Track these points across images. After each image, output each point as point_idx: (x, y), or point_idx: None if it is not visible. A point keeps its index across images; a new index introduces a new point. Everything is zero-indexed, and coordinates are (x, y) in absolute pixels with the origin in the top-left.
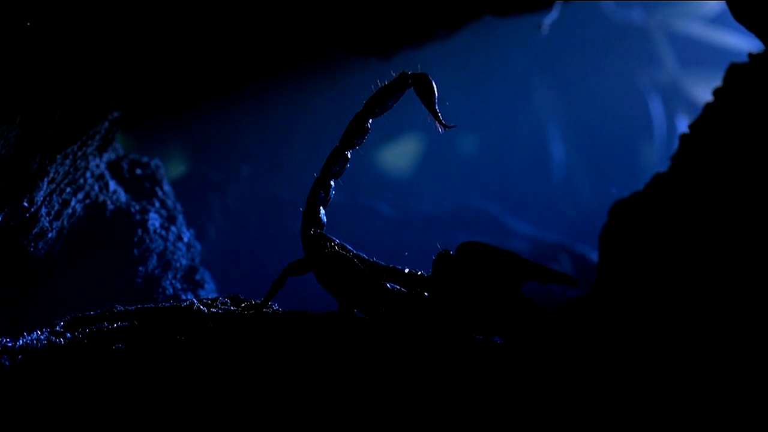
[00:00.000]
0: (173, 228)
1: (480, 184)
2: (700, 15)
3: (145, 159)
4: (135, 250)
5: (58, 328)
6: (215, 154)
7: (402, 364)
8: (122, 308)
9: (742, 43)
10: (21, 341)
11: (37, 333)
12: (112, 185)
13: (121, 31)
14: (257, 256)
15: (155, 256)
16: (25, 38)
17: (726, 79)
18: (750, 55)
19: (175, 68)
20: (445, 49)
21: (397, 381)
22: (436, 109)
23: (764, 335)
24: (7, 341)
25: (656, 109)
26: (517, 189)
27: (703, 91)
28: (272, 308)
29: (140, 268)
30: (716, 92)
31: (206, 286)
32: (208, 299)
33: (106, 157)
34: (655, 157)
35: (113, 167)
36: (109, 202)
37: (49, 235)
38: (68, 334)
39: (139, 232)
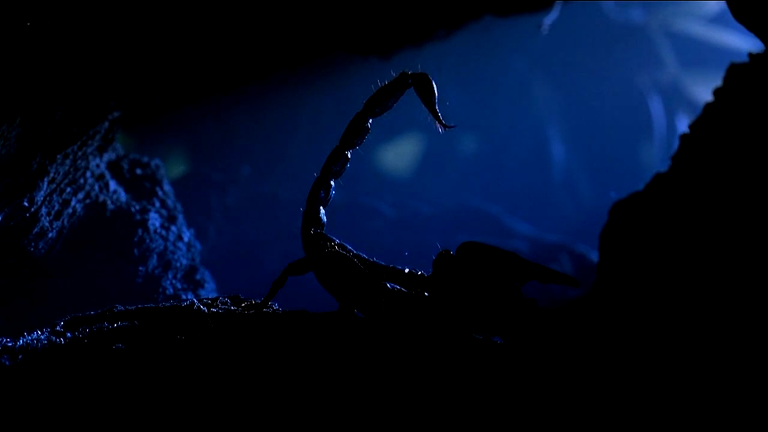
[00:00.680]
0: (173, 228)
1: (480, 184)
2: (700, 15)
3: (145, 159)
4: (135, 250)
5: (58, 328)
6: (215, 154)
7: (402, 364)
8: (122, 308)
9: (742, 43)
10: (21, 341)
11: (38, 333)
12: (113, 185)
13: (121, 32)
14: (257, 256)
15: (155, 256)
16: (25, 38)
17: (726, 79)
18: (750, 55)
19: (175, 68)
20: (445, 49)
21: (397, 381)
22: (436, 109)
23: (764, 335)
24: (7, 341)
25: (656, 108)
26: (517, 189)
27: (703, 91)
28: (272, 308)
29: (140, 268)
30: (716, 92)
31: (206, 285)
32: (208, 299)
33: (106, 157)
34: (655, 157)
35: (113, 167)
36: (109, 202)
37: (50, 234)
38: (68, 334)
39: (140, 231)
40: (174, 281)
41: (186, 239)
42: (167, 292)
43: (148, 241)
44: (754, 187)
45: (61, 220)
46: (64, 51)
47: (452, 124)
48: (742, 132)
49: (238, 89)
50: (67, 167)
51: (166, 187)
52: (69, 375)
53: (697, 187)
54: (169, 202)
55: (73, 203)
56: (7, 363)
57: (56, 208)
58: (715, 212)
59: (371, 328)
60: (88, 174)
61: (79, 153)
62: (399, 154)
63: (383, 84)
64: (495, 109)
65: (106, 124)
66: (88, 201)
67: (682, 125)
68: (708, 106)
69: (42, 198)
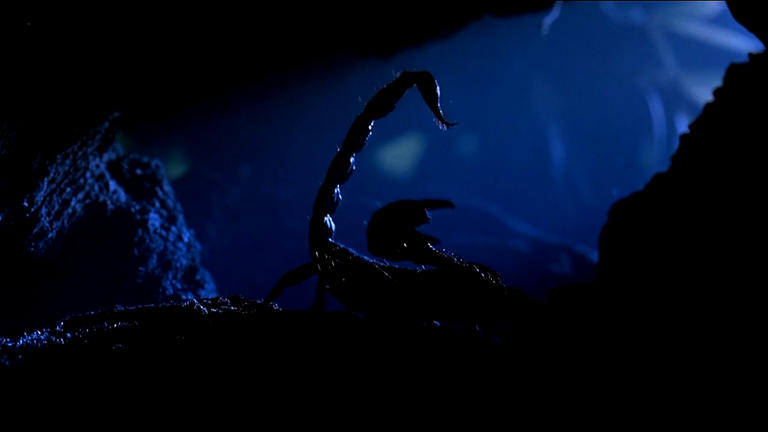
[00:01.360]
0: (173, 228)
1: (480, 184)
2: (700, 15)
3: (145, 159)
4: (135, 250)
5: (58, 328)
6: (215, 154)
7: (402, 364)
8: (122, 308)
9: (742, 43)
10: (21, 341)
11: (38, 333)
12: (113, 185)
13: (121, 32)
14: (257, 256)
15: (155, 256)
16: (26, 39)
17: (726, 79)
18: (750, 55)
19: (176, 68)
20: (445, 49)
21: (397, 381)
22: (438, 108)
23: (764, 335)
24: (7, 341)
25: (656, 109)
26: (517, 189)
27: (703, 91)
28: (272, 308)
29: (140, 268)
30: (716, 92)
31: (206, 286)
32: (208, 299)
33: (106, 157)
34: (655, 157)
35: (113, 167)
36: (109, 202)
37: (49, 235)
38: (68, 334)
39: (140, 232)
40: (174, 281)
41: (186, 239)
42: (167, 292)
43: (148, 241)
44: (754, 187)
45: (61, 220)
46: (65, 51)
47: (454, 122)
48: (742, 132)
49: (238, 89)
50: (67, 167)
51: (166, 188)
52: (69, 375)
53: (697, 187)
54: (169, 203)
55: (73, 203)
56: (7, 363)
57: (56, 208)
58: (715, 212)
59: (371, 328)
60: (88, 174)
61: (79, 153)
62: (399, 154)
63: (385, 84)
64: (495, 109)
65: (106, 124)
66: (88, 201)
67: (682, 125)
68: (708, 106)
69: (42, 198)
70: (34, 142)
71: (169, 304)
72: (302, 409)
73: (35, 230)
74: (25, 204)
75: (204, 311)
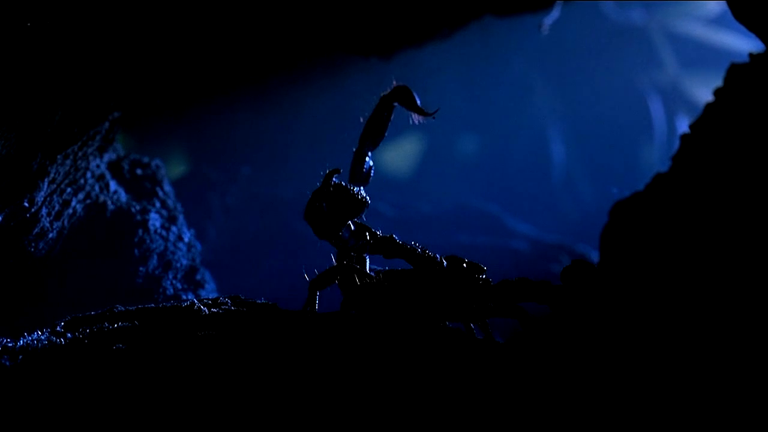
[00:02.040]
0: (174, 228)
1: (480, 184)
2: (700, 15)
3: (145, 159)
4: (135, 250)
5: (58, 329)
6: (215, 154)
7: (403, 365)
8: (123, 308)
9: (742, 43)
10: (21, 341)
11: (38, 333)
12: (113, 185)
13: (121, 32)
14: (257, 256)
15: (156, 256)
16: (26, 39)
17: (726, 79)
18: (750, 55)
19: (176, 68)
20: (445, 49)
21: (398, 381)
22: (421, 109)
23: (764, 335)
24: (7, 341)
25: (656, 109)
26: (517, 189)
27: (703, 91)
28: (272, 308)
29: (141, 268)
30: (716, 92)
31: (206, 286)
32: (208, 299)
33: (106, 157)
34: (655, 158)
35: (114, 167)
36: (109, 203)
37: (50, 235)
38: (69, 335)
39: (140, 232)
40: (174, 281)
41: (186, 239)
42: (167, 292)
43: (148, 241)
44: (754, 187)
45: (61, 220)
46: (65, 52)
47: (434, 110)
48: (742, 132)
49: (238, 89)
50: (67, 167)
51: (167, 188)
52: (69, 375)
53: (697, 187)
54: (170, 203)
55: (73, 204)
56: (7, 363)
57: (56, 208)
58: (716, 212)
59: (371, 327)
60: (89, 174)
61: (80, 153)
62: (399, 154)
63: (368, 115)
64: (495, 109)
65: (107, 124)
66: (88, 201)
67: (682, 125)
68: (708, 106)
69: (42, 198)
70: (35, 142)
71: (169, 304)
72: (302, 409)
73: (36, 230)
74: (26, 204)
75: (204, 311)
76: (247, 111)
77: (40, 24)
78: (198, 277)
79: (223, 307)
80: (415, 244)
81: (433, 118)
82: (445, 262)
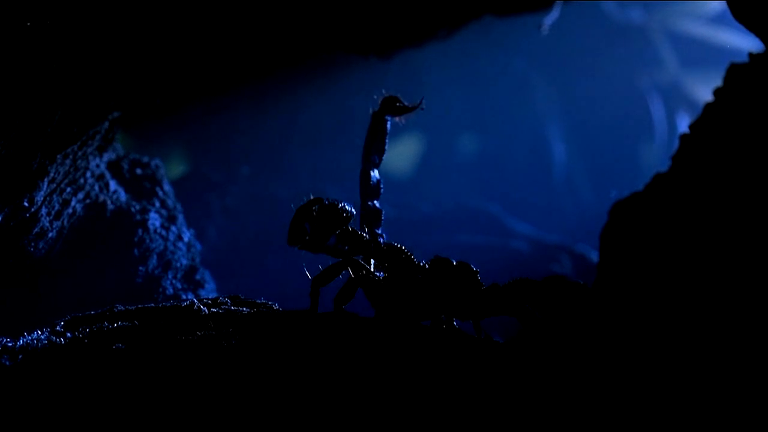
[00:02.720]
0: (173, 228)
1: (480, 184)
2: (700, 14)
3: (145, 159)
4: (135, 250)
5: (58, 328)
6: (215, 154)
7: (403, 365)
8: (122, 308)
9: (742, 42)
10: (21, 341)
11: (38, 333)
12: (113, 185)
13: (121, 32)
14: (257, 256)
15: (155, 256)
16: (26, 39)
17: (726, 79)
18: (750, 55)
19: (175, 68)
20: (445, 49)
21: (398, 382)
22: (409, 108)
23: (764, 335)
24: (7, 341)
25: (657, 108)
26: (517, 189)
27: (703, 90)
28: (272, 308)
29: (140, 268)
30: (716, 92)
31: (206, 286)
32: (208, 299)
33: (106, 157)
34: (656, 157)
35: (113, 167)
36: (109, 202)
37: (50, 235)
38: (68, 334)
39: (140, 232)
40: (174, 281)
41: (186, 239)
42: (167, 292)
43: (148, 241)
44: (754, 187)
45: (61, 220)
46: (65, 52)
47: (420, 99)
48: (742, 132)
49: (238, 89)
50: (67, 167)
51: (166, 187)
52: (69, 375)
53: (697, 187)
54: (169, 202)
55: (73, 203)
56: (7, 363)
57: (56, 208)
58: (715, 212)
59: (372, 328)
60: (88, 174)
61: (79, 153)
62: (399, 154)
63: (366, 133)
64: (495, 109)
65: (106, 124)
66: (88, 201)
67: (683, 125)
68: (708, 106)
69: (42, 198)
70: (34, 142)
71: (169, 304)
72: (302, 409)
73: (35, 230)
74: (25, 204)
75: (204, 311)
76: (247, 111)
77: (40, 24)
78: (198, 276)
79: (222, 306)
80: (399, 246)
81: (422, 108)
82: (427, 265)
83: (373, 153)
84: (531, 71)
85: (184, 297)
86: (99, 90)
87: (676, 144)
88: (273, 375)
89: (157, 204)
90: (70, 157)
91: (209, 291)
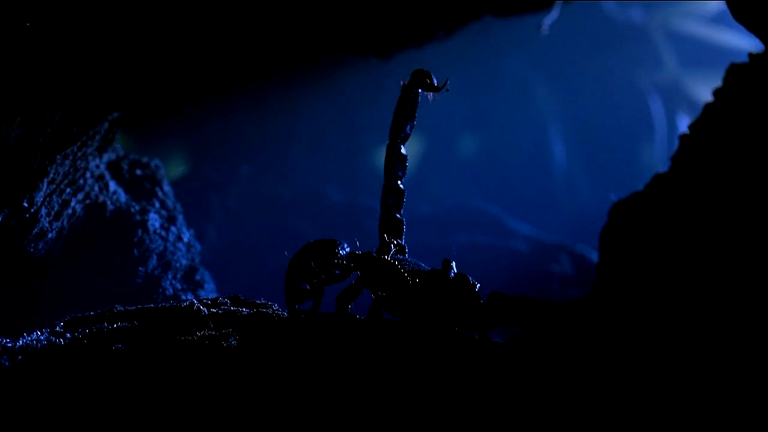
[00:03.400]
0: (173, 228)
1: (480, 184)
2: (700, 14)
3: (145, 159)
4: (135, 251)
5: (58, 329)
6: (215, 154)
7: (404, 365)
8: (122, 308)
9: (742, 42)
10: (21, 342)
11: (37, 333)
12: (112, 186)
13: (121, 32)
14: (257, 256)
15: (155, 257)
16: (25, 39)
17: (726, 79)
18: (750, 55)
19: (175, 69)
20: (444, 49)
21: (399, 382)
22: (437, 87)
23: (764, 335)
24: (7, 342)
25: (657, 108)
26: (517, 189)
27: (703, 90)
28: (272, 308)
29: (140, 269)
30: (716, 92)
31: (206, 286)
32: (208, 299)
33: (106, 157)
34: (656, 157)
35: (113, 168)
36: (109, 203)
37: (49, 235)
38: (68, 335)
39: (139, 232)
40: (174, 281)
41: (186, 240)
42: (167, 292)
43: (147, 241)
44: (754, 187)
45: (60, 220)
46: (64, 52)
47: (445, 81)
48: (742, 132)
49: (238, 89)
50: (66, 168)
51: (166, 188)
52: (69, 375)
53: (697, 187)
54: (169, 203)
55: (72, 204)
56: (6, 363)
57: (56, 208)
58: (715, 212)
59: (371, 328)
60: (88, 174)
61: (79, 153)
62: None
63: (394, 106)
64: (495, 109)
65: (106, 124)
66: (87, 201)
67: (683, 124)
68: (708, 107)
69: (42, 198)
70: (34, 142)
71: (168, 305)
72: (301, 410)
73: (35, 231)
74: (25, 204)
75: (204, 311)
76: (247, 111)
77: (40, 24)
78: (197, 277)
79: (222, 307)
80: (393, 261)
81: (447, 90)
82: (416, 279)
83: (402, 126)
84: (530, 71)
85: (183, 297)
86: (99, 90)
87: (676, 144)
88: (272, 376)
89: (157, 204)
90: (70, 157)
91: (209, 291)
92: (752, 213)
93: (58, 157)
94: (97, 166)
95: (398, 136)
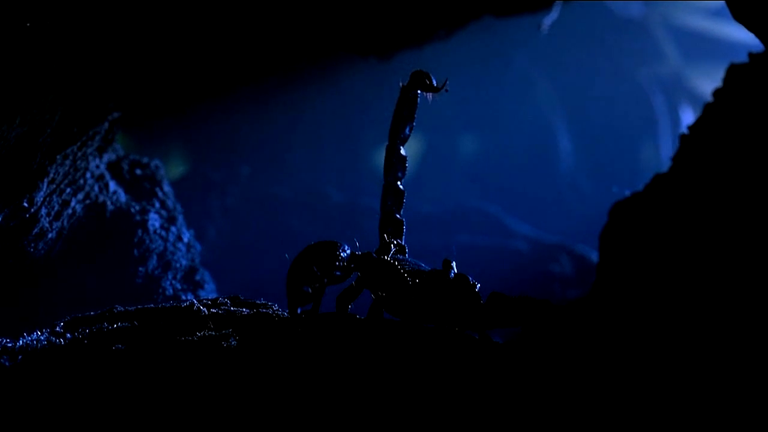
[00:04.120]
0: (173, 228)
1: (480, 184)
2: (701, 8)
3: (145, 159)
4: (135, 251)
5: (58, 329)
6: (215, 154)
7: (404, 366)
8: (122, 309)
9: (744, 35)
10: (21, 342)
11: (37, 333)
12: (112, 186)
13: (121, 32)
14: (257, 256)
15: (155, 257)
16: (25, 39)
17: (725, 80)
18: (750, 55)
19: (175, 69)
20: (445, 49)
21: (399, 382)
22: (436, 87)
23: (764, 335)
24: (7, 342)
25: (659, 103)
26: (517, 189)
27: (706, 84)
28: (272, 308)
29: (140, 269)
30: (716, 93)
31: (206, 286)
32: (208, 299)
33: (106, 157)
34: (659, 152)
35: (113, 168)
36: (109, 203)
37: (49, 235)
38: (68, 335)
39: (139, 232)
40: (174, 282)
41: (186, 240)
42: (167, 292)
43: (147, 241)
44: (754, 187)
45: (60, 220)
46: (64, 52)
47: (444, 81)
48: (742, 132)
49: (238, 90)
50: (66, 168)
51: (166, 188)
52: (69, 376)
53: (697, 187)
54: (169, 203)
55: (72, 204)
56: (6, 364)
57: (56, 208)
58: (715, 212)
59: (372, 328)
60: (88, 175)
61: (79, 154)
62: None
63: (394, 107)
64: (495, 109)
65: (106, 124)
66: (87, 202)
67: (686, 119)
68: (708, 107)
69: (42, 199)
70: (34, 142)
71: (168, 305)
72: (301, 410)
73: (35, 231)
74: (25, 204)
75: (204, 312)
76: (247, 111)
77: (40, 24)
78: (197, 277)
79: (222, 307)
80: (394, 261)
81: (446, 90)
82: (415, 280)
83: (401, 128)
84: (531, 68)
85: (183, 297)
86: (99, 90)
87: (678, 140)
88: (272, 376)
89: (157, 204)
90: (70, 157)
91: (209, 291)
92: (752, 213)
93: (58, 157)
94: (97, 166)
95: (398, 138)
